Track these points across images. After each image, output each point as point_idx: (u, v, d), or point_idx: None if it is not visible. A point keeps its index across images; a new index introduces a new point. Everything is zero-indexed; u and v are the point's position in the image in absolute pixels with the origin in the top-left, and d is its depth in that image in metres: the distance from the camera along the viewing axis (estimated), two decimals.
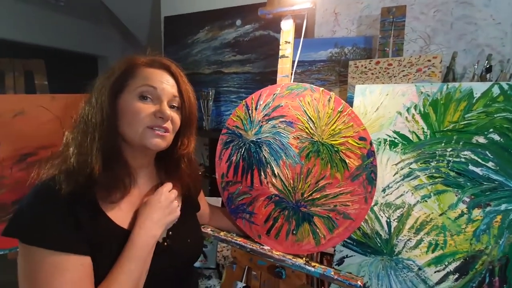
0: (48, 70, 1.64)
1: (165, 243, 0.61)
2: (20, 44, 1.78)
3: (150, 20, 2.45)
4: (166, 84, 0.58)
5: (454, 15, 1.31)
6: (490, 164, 0.65)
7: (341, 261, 0.82)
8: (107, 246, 0.52)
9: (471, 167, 0.67)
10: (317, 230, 0.71)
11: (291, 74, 0.79)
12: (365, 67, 1.26)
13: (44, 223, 0.47)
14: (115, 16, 2.37)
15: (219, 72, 1.91)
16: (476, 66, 1.23)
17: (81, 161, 0.51)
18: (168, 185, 0.63)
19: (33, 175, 0.54)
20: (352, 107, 0.79)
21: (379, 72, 1.23)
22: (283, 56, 0.78)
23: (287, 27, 0.76)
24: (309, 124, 0.71)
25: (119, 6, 2.27)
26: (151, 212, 0.57)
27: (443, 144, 0.70)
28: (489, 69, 1.16)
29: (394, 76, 1.20)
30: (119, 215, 0.56)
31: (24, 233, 0.47)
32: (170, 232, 0.63)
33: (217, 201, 1.54)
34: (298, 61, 1.50)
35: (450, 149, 0.69)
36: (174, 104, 0.60)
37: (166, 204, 0.59)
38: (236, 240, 0.79)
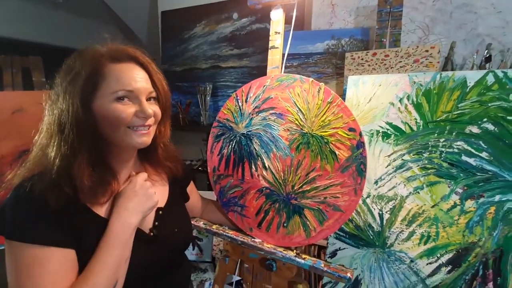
0: (46, 67, 1.64)
1: (152, 234, 0.62)
2: (17, 42, 1.78)
3: (148, 16, 2.44)
4: (140, 81, 0.55)
5: (454, 4, 1.28)
6: (483, 154, 0.64)
7: (334, 254, 0.81)
8: (95, 240, 0.53)
9: (464, 158, 0.66)
10: (308, 222, 0.70)
11: (282, 66, 0.78)
12: (362, 59, 1.24)
13: (24, 219, 0.48)
14: (114, 12, 2.37)
15: (217, 66, 1.90)
16: (475, 56, 1.20)
17: (66, 174, 0.50)
18: (143, 174, 0.63)
19: (9, 177, 0.53)
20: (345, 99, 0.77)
21: (376, 64, 1.21)
22: (273, 47, 0.77)
23: (277, 17, 0.75)
24: (298, 116, 0.70)
25: (118, 2, 2.26)
26: (125, 201, 0.57)
27: (436, 134, 0.68)
28: (488, 59, 1.13)
29: (391, 68, 1.18)
30: (106, 208, 0.57)
31: (6, 229, 0.48)
32: (156, 223, 0.63)
33: (214, 195, 1.54)
34: (295, 54, 1.48)
35: (443, 139, 0.68)
36: (152, 96, 0.58)
37: (142, 192, 0.59)
38: (227, 233, 0.78)
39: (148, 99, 0.58)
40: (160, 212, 0.65)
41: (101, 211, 0.56)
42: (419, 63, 1.13)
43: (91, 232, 0.53)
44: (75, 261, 0.50)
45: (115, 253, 0.52)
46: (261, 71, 1.74)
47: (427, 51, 1.12)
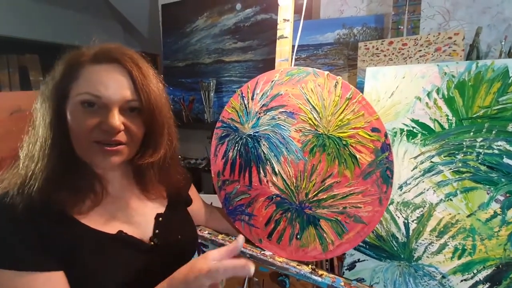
0: (43, 66, 1.58)
1: (152, 243, 0.55)
2: (13, 39, 1.72)
3: (148, 9, 2.36)
4: (114, 87, 0.47)
5: None
6: None
7: (352, 266, 0.74)
8: (86, 252, 0.47)
9: (506, 160, 0.57)
10: (324, 234, 0.62)
11: (292, 58, 0.70)
12: (377, 49, 1.14)
13: (3, 243, 0.42)
14: (113, 6, 2.29)
15: (220, 61, 1.81)
16: (503, 43, 1.09)
17: (31, 174, 0.45)
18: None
19: None
20: (362, 93, 0.69)
21: (393, 54, 1.11)
22: (281, 37, 0.68)
23: (285, 2, 0.66)
24: (312, 115, 0.62)
25: None
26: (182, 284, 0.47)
27: (472, 133, 0.59)
28: None
29: (410, 58, 1.08)
30: (97, 220, 0.50)
31: None
32: (157, 230, 0.57)
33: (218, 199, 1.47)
34: (303, 45, 1.39)
35: (481, 139, 0.59)
36: (133, 106, 0.49)
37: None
38: None
39: (131, 110, 0.49)
40: (160, 218, 0.59)
41: (99, 225, 0.50)
42: (441, 51, 1.03)
43: (82, 244, 0.47)
44: (63, 283, 0.45)
45: None
46: (267, 65, 1.65)
47: (450, 38, 1.02)
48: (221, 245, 0.74)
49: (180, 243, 0.60)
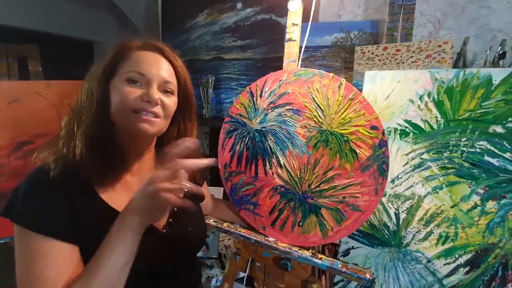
0: (42, 56, 1.58)
1: (164, 230, 0.60)
2: (12, 29, 1.70)
3: (146, 3, 2.36)
4: (156, 68, 0.56)
5: None
6: (507, 154, 0.62)
7: (347, 252, 0.80)
8: (101, 228, 0.49)
9: (486, 158, 0.64)
10: (325, 222, 0.68)
11: (299, 59, 0.75)
12: (372, 53, 1.21)
13: (35, 206, 0.48)
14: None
15: (219, 58, 1.85)
16: (488, 52, 1.18)
17: (67, 145, 0.52)
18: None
19: (34, 159, 0.54)
20: None
21: (386, 58, 1.18)
22: (290, 40, 0.73)
23: (295, 8, 0.71)
24: (317, 112, 0.67)
25: None
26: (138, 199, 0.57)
27: (457, 133, 0.67)
28: (502, 55, 1.11)
29: (402, 63, 1.15)
30: (116, 198, 0.55)
31: (16, 213, 0.48)
32: (171, 219, 0.62)
33: (218, 191, 1.52)
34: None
35: (465, 139, 0.66)
36: (168, 89, 0.58)
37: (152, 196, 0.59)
38: (240, 231, 0.77)
39: (165, 91, 0.57)
40: (175, 208, 0.62)
41: (116, 203, 0.54)
42: (431, 58, 1.11)
43: (103, 222, 0.49)
44: (77, 257, 0.49)
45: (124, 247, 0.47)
46: (265, 63, 1.70)
47: (439, 46, 1.10)
48: (227, 232, 0.79)
49: (190, 234, 0.64)
